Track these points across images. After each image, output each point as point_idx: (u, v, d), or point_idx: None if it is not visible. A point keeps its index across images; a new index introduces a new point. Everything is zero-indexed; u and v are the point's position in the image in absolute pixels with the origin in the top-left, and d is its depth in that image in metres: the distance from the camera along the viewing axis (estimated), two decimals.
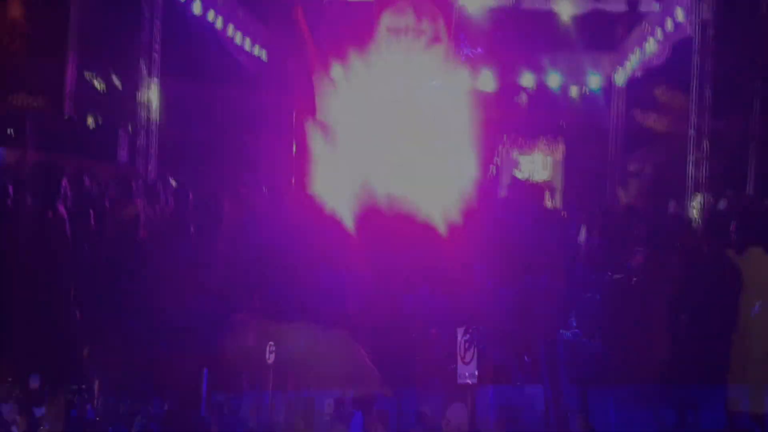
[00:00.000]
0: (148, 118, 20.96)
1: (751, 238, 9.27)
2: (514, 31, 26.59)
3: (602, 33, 28.20)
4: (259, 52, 26.58)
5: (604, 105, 29.45)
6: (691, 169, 20.89)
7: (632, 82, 27.83)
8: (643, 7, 21.00)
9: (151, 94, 20.92)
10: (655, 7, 20.98)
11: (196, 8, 20.91)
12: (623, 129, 29.11)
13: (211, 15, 21.89)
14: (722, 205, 20.34)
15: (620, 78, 28.21)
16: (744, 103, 19.63)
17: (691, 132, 20.86)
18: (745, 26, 18.00)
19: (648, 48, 23.84)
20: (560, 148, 29.11)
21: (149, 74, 20.83)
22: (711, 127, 20.89)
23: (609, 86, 28.95)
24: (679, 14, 20.59)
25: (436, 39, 21.30)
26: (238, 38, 24.35)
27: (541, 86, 28.92)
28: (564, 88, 29.25)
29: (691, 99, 20.88)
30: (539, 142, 29.13)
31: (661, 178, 27.30)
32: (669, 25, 21.35)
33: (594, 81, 28.63)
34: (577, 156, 29.70)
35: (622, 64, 27.48)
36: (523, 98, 32.30)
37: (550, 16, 25.68)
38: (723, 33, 18.74)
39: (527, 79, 28.38)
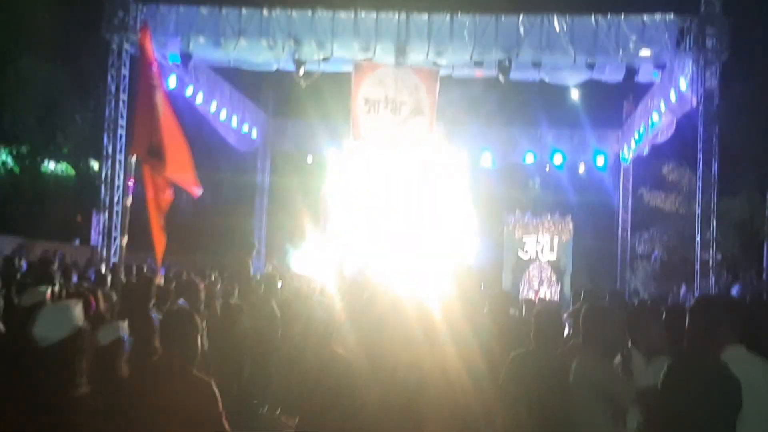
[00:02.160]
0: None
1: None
2: (514, 104, 24.87)
3: (607, 109, 26.54)
4: (248, 131, 24.83)
5: (611, 183, 27.50)
6: (698, 250, 18.68)
7: (639, 159, 25.80)
8: (642, 77, 18.91)
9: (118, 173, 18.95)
10: (655, 76, 18.91)
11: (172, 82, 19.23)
12: (631, 208, 26.91)
13: (190, 92, 20.25)
14: (735, 290, 18.25)
15: (626, 155, 26.12)
16: (756, 176, 17.53)
17: (698, 210, 18.71)
18: (752, 94, 15.99)
19: (653, 123, 21.75)
20: (567, 228, 26.81)
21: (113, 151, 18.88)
22: (719, 205, 18.75)
23: (615, 164, 26.88)
24: (683, 84, 18.59)
25: (417, 111, 19.16)
26: (224, 117, 22.54)
27: (546, 164, 26.98)
28: (569, 166, 27.31)
29: (697, 175, 18.85)
30: (545, 221, 26.86)
31: (671, 260, 25.22)
32: (673, 96, 19.30)
33: (600, 159, 26.63)
34: (585, 236, 27.62)
35: (627, 142, 25.42)
36: (536, 181, 30.45)
37: (550, 91, 23.99)
38: (729, 102, 16.72)
39: (530, 158, 26.39)
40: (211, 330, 9.00)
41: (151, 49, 9.36)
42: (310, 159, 26.45)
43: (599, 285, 23.67)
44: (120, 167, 18.92)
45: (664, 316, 6.24)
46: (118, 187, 18.93)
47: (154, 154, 8.86)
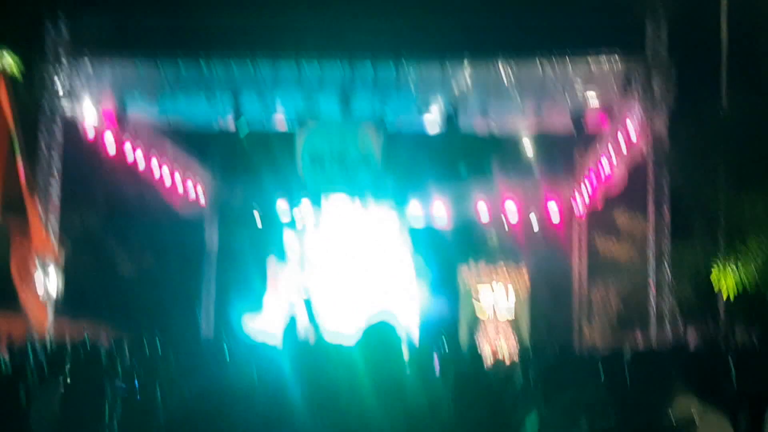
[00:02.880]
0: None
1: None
2: (464, 157, 24.28)
3: (559, 158, 26.05)
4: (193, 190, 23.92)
5: (564, 233, 26.90)
6: (652, 297, 18.12)
7: (592, 208, 25.25)
8: (590, 122, 18.46)
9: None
10: (602, 121, 18.47)
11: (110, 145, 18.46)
12: (586, 258, 26.32)
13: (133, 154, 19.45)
14: (691, 340, 17.66)
15: (579, 205, 25.60)
16: (707, 219, 17.04)
17: (651, 257, 18.17)
18: (701, 134, 15.55)
19: (604, 170, 21.29)
20: (523, 280, 26.21)
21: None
22: (673, 251, 18.22)
23: (569, 213, 26.34)
24: (631, 129, 18.16)
25: (364, 163, 18.45)
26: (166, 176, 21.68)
27: (499, 213, 26.42)
28: (522, 216, 26.79)
29: (648, 219, 18.35)
30: (499, 270, 26.26)
31: (628, 309, 24.59)
32: (622, 142, 18.88)
33: (552, 208, 26.09)
34: (541, 288, 26.96)
35: (580, 190, 24.91)
36: (493, 234, 29.81)
37: (502, 140, 23.54)
38: (678, 145, 16.26)
39: (482, 208, 25.77)
40: None
41: None
42: (258, 217, 25.65)
43: (556, 338, 23.06)
44: (53, 231, 17.96)
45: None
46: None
47: None
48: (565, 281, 26.96)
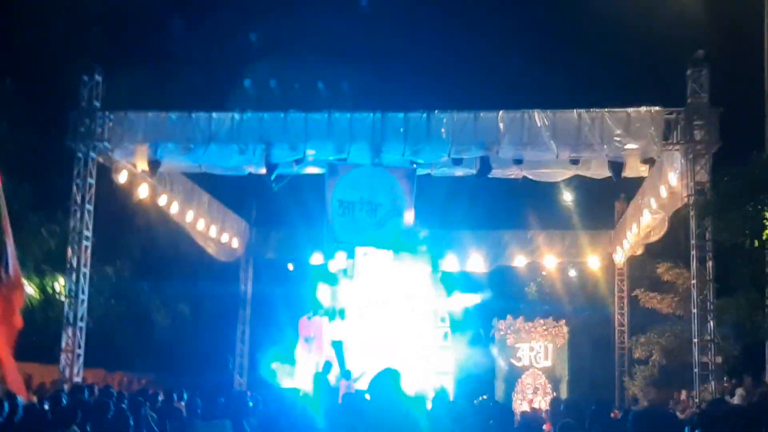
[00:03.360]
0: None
1: None
2: (502, 206, 23.86)
3: (598, 210, 25.52)
4: (229, 240, 23.70)
5: (605, 286, 26.22)
6: (696, 353, 17.32)
7: (632, 260, 24.59)
8: (629, 172, 17.84)
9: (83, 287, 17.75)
10: (642, 170, 17.86)
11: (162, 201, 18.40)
12: (627, 311, 25.57)
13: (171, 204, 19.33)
14: (737, 397, 16.81)
15: (620, 256, 24.92)
16: (752, 270, 16.26)
17: (694, 311, 17.42)
18: (745, 182, 14.86)
19: (644, 221, 20.65)
20: (562, 333, 25.43)
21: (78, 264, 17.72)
22: (717, 305, 17.44)
23: (609, 266, 25.65)
24: (672, 179, 17.56)
25: (394, 212, 17.99)
26: (202, 227, 21.46)
27: (537, 267, 25.82)
28: (562, 269, 26.15)
29: (692, 273, 17.62)
30: (538, 327, 25.49)
31: (670, 364, 23.74)
32: (663, 192, 18.27)
33: (593, 261, 25.44)
34: (581, 341, 26.24)
35: (620, 242, 24.26)
36: (532, 287, 29.10)
37: (540, 192, 23.02)
38: (721, 193, 15.58)
39: (519, 260, 25.20)
40: None
41: None
42: (291, 267, 25.36)
43: (596, 393, 22.26)
44: (85, 281, 17.67)
45: None
46: (83, 301, 17.65)
47: None
48: (605, 335, 26.24)
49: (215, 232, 22.55)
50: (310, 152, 17.31)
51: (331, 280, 20.47)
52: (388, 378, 5.84)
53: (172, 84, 17.12)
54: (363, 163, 17.82)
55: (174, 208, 20.00)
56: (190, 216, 20.77)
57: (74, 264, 17.60)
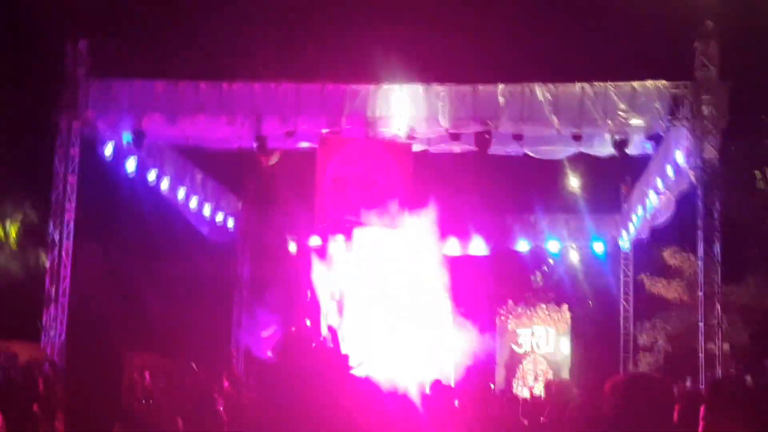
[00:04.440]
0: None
1: None
2: (505, 189, 22.99)
3: (603, 193, 24.64)
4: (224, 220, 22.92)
5: (609, 271, 25.33)
6: (702, 339, 16.51)
7: (638, 244, 23.69)
8: (634, 150, 16.96)
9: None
10: (647, 147, 16.97)
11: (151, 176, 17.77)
12: (632, 297, 24.67)
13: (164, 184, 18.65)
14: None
15: (625, 241, 24.03)
16: (764, 256, 15.50)
17: (701, 295, 16.58)
18: (755, 161, 14.07)
19: (650, 204, 19.76)
20: (564, 319, 24.65)
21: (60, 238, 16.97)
22: (725, 290, 16.64)
23: (614, 250, 24.75)
24: (679, 157, 16.67)
25: (390, 190, 17.10)
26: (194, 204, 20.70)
27: (540, 251, 24.94)
28: (565, 254, 25.28)
29: (699, 256, 16.77)
30: (540, 312, 24.70)
31: (676, 351, 22.92)
32: (669, 172, 17.38)
33: (598, 245, 24.55)
34: (584, 327, 25.44)
35: (626, 226, 23.38)
36: (538, 276, 28.22)
37: (544, 175, 22.18)
38: (731, 174, 14.78)
39: (522, 245, 24.32)
40: None
41: None
42: (293, 248, 24.53)
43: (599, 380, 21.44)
44: (67, 257, 16.92)
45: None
46: (64, 277, 16.91)
47: None
48: (609, 321, 25.40)
49: (209, 210, 21.78)
50: (303, 125, 16.48)
51: (326, 257, 19.78)
52: None
53: (159, 52, 16.28)
54: (357, 137, 16.97)
55: (165, 185, 19.22)
56: (181, 193, 20.01)
57: (56, 239, 16.84)
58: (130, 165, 17.80)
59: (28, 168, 18.36)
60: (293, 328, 14.57)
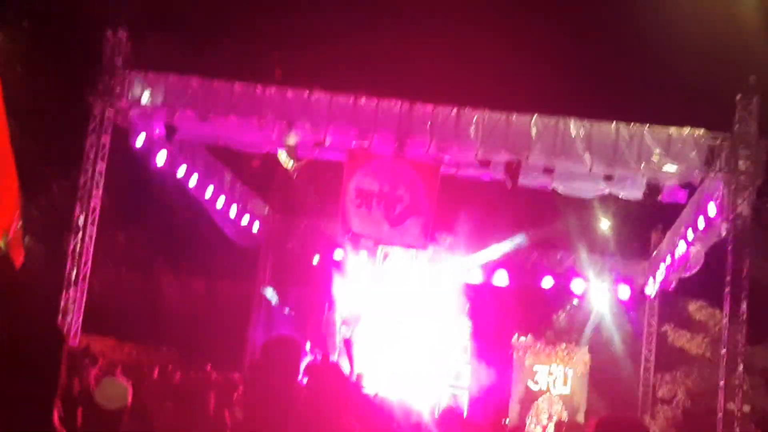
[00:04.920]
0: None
1: None
2: (533, 223, 22.59)
3: (634, 238, 24.14)
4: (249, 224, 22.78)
5: (634, 317, 24.76)
6: (722, 398, 15.94)
7: (665, 293, 23.11)
8: (666, 197, 16.52)
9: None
10: (680, 196, 16.53)
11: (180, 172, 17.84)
12: (655, 346, 24.06)
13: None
14: None
15: (651, 289, 23.46)
16: None
17: (723, 352, 16.04)
18: None
19: (679, 253, 19.26)
20: (583, 360, 24.09)
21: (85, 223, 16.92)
22: (750, 351, 16.12)
23: (640, 297, 24.18)
24: (712, 210, 16.18)
25: (414, 210, 16.81)
26: (221, 204, 20.60)
27: (564, 290, 24.44)
28: (589, 295, 24.75)
29: (725, 312, 16.23)
30: (559, 351, 24.18)
31: (695, 408, 22.29)
32: (701, 223, 16.88)
33: (623, 290, 24.01)
34: (603, 371, 24.83)
35: (653, 274, 22.81)
36: (561, 316, 27.70)
37: (575, 214, 21.79)
38: (763, 229, 14.33)
39: (546, 281, 23.86)
40: None
41: None
42: (316, 260, 24.33)
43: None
44: (91, 242, 16.90)
45: None
46: (86, 263, 16.88)
47: None
48: (629, 368, 24.80)
49: (235, 212, 21.66)
50: (332, 136, 16.31)
51: (347, 271, 19.61)
52: None
53: (196, 49, 16.25)
54: (385, 153, 16.74)
55: (193, 181, 19.16)
56: (209, 192, 19.92)
57: (80, 223, 16.82)
58: (161, 158, 17.74)
59: (59, 152, 18.39)
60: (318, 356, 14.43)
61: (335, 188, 18.41)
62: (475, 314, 22.40)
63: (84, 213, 16.95)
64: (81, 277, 16.96)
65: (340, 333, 19.73)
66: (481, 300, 22.77)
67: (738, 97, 15.65)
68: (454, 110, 16.01)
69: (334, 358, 18.20)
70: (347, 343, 18.29)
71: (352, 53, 15.55)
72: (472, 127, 15.86)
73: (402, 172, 16.74)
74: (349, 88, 16.18)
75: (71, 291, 16.83)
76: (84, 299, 16.96)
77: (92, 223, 17.06)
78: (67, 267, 16.98)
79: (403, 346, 20.11)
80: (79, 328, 17.00)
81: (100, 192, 16.96)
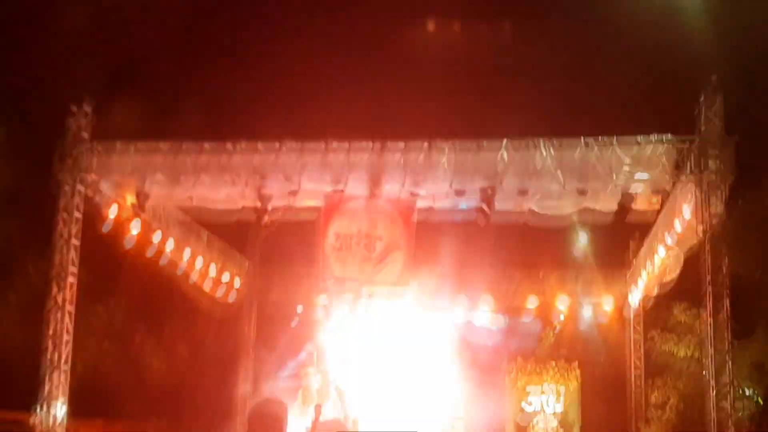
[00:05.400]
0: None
1: None
2: (510, 244, 22.62)
3: (613, 249, 24.28)
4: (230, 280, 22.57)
5: (620, 327, 24.85)
6: (713, 398, 15.98)
7: (648, 301, 23.21)
8: (640, 205, 16.64)
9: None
10: (654, 202, 16.67)
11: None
12: (643, 353, 24.16)
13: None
14: None
15: (635, 297, 23.59)
16: None
17: (711, 352, 16.11)
18: (764, 218, 13.74)
19: (659, 259, 19.45)
20: (574, 376, 24.17)
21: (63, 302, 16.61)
22: (734, 347, 16.19)
23: (624, 307, 24.31)
24: (687, 212, 16.35)
25: (394, 246, 16.77)
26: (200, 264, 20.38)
27: (548, 308, 24.49)
28: (574, 310, 24.82)
29: (707, 312, 16.31)
30: (550, 369, 24.24)
31: (688, 410, 22.31)
32: (677, 227, 17.06)
33: (607, 302, 24.15)
34: (594, 385, 24.84)
35: (635, 282, 22.96)
36: (550, 334, 27.75)
37: (552, 231, 21.87)
38: (738, 229, 14.46)
39: (531, 301, 23.92)
40: None
41: None
42: (300, 309, 24.15)
43: None
44: (70, 320, 16.58)
45: None
46: (67, 342, 16.53)
47: None
48: (619, 377, 24.85)
49: (215, 270, 21.49)
50: (306, 184, 16.26)
51: (330, 321, 19.54)
52: None
53: (163, 114, 16.17)
54: (361, 194, 16.72)
55: (170, 245, 18.97)
56: (187, 253, 19.75)
57: (59, 302, 16.50)
58: (135, 226, 17.55)
59: (29, 230, 18.11)
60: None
61: (313, 235, 18.34)
62: (463, 343, 22.43)
63: (62, 292, 16.63)
64: (63, 359, 16.55)
65: (333, 381, 19.58)
66: (468, 327, 22.81)
67: (702, 98, 15.83)
68: (425, 144, 16.07)
69: (328, 406, 18.01)
70: (339, 391, 18.20)
71: (320, 99, 15.57)
72: (445, 158, 15.92)
73: (379, 210, 16.72)
74: (319, 135, 16.16)
75: (54, 376, 16.43)
76: (68, 382, 16.54)
77: (70, 302, 16.73)
78: (49, 350, 16.59)
79: (395, 386, 20.05)
80: (65, 416, 16.56)
81: (77, 269, 16.68)
